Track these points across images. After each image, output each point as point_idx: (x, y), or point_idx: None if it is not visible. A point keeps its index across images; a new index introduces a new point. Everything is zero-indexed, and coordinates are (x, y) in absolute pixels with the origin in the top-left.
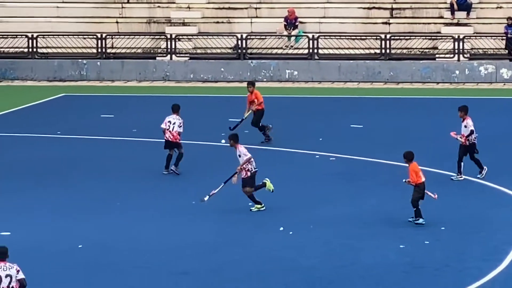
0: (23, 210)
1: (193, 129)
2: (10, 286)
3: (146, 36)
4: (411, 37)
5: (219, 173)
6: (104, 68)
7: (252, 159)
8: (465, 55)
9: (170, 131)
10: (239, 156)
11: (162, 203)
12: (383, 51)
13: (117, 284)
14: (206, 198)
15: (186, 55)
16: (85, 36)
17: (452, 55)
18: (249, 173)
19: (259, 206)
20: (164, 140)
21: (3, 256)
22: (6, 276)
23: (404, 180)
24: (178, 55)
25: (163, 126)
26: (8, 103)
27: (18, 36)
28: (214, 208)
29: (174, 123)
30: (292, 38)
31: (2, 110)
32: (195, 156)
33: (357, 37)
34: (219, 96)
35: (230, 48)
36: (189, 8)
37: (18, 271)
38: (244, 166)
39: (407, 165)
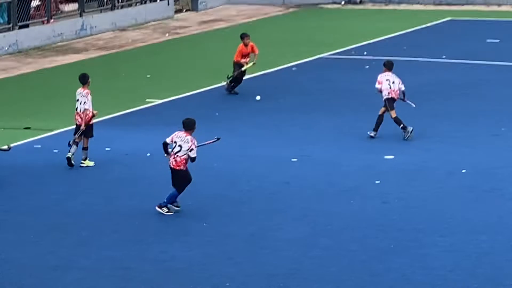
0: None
1: None
2: (178, 155)
3: None
4: None
5: None
6: None
7: None
8: None
9: None
10: None
11: None
12: None
13: (496, 209)
14: None
15: None
16: None
17: None
18: None
19: None
20: None
21: (186, 127)
22: (179, 145)
23: None
24: None
25: None
26: (394, 26)
27: None
28: None
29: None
30: None
31: (388, 33)
32: None
33: None
34: None
35: None
36: None
37: (191, 150)
38: None
39: None
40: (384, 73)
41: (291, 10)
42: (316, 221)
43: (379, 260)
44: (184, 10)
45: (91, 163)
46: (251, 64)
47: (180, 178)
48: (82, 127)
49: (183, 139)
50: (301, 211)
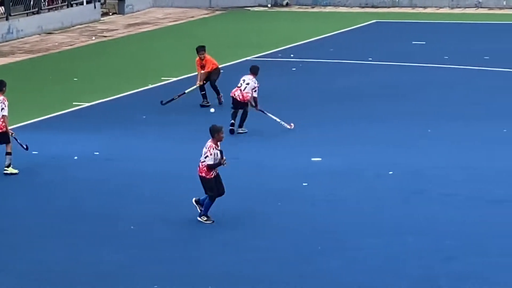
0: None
1: None
2: (200, 160)
3: None
4: None
5: None
6: None
7: None
8: None
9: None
10: None
11: (473, 130)
12: None
13: (423, 210)
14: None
15: None
16: None
17: None
18: None
19: None
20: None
21: (210, 133)
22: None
23: None
24: None
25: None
26: (320, 29)
27: None
28: None
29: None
30: None
31: (315, 36)
32: None
33: None
34: None
35: None
36: None
37: (206, 157)
38: None
39: None
40: (249, 76)
41: (217, 13)
42: (245, 224)
43: (307, 262)
44: (110, 13)
45: (15, 171)
46: (194, 87)
47: (203, 185)
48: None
49: (205, 145)
50: (230, 214)
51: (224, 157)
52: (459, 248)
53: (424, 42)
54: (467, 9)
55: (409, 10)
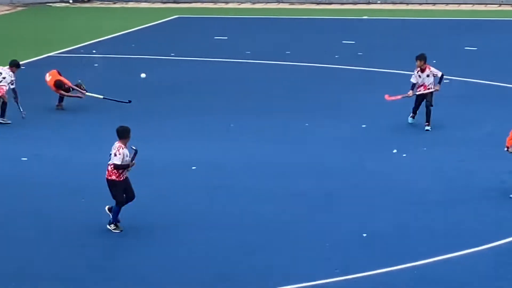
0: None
1: None
2: (108, 163)
3: None
4: None
5: None
6: None
7: None
8: None
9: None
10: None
11: (276, 125)
12: None
13: (229, 204)
14: None
15: None
16: None
17: None
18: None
19: None
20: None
21: (118, 135)
22: (110, 154)
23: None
24: None
25: None
26: (122, 25)
27: None
28: (328, 132)
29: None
30: None
31: (117, 32)
32: None
33: None
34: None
35: None
36: None
37: (114, 154)
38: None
39: None
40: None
41: (19, 9)
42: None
43: (105, 258)
44: None
45: None
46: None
47: (111, 190)
48: None
49: (113, 147)
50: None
51: (134, 161)
52: (262, 241)
53: (226, 38)
54: (268, 4)
55: (211, 5)
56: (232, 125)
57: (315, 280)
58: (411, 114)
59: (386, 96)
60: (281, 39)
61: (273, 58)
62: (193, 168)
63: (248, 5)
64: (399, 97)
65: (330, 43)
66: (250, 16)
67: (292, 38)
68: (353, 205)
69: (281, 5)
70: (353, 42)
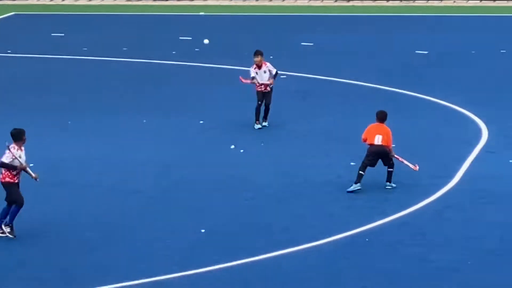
0: None
1: None
2: None
3: None
4: None
5: None
6: None
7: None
8: None
9: None
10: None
11: (115, 122)
12: None
13: (67, 202)
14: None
15: None
16: None
17: None
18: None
19: None
20: None
21: (13, 137)
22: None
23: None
24: None
25: None
26: None
27: None
28: (166, 128)
29: None
30: None
31: None
32: None
33: None
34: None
35: None
36: None
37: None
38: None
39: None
40: None
41: None
42: None
43: None
44: None
45: None
46: None
47: (8, 192)
48: None
49: (8, 148)
50: None
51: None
52: (101, 239)
53: (63, 34)
54: (104, 1)
55: (47, 2)
56: (69, 122)
57: (154, 276)
58: (256, 121)
59: (240, 78)
60: (118, 35)
61: (110, 54)
62: (31, 165)
63: (84, 2)
64: (248, 81)
65: (167, 39)
66: (87, 13)
67: (129, 34)
68: (191, 201)
69: (118, 2)
70: (190, 38)
